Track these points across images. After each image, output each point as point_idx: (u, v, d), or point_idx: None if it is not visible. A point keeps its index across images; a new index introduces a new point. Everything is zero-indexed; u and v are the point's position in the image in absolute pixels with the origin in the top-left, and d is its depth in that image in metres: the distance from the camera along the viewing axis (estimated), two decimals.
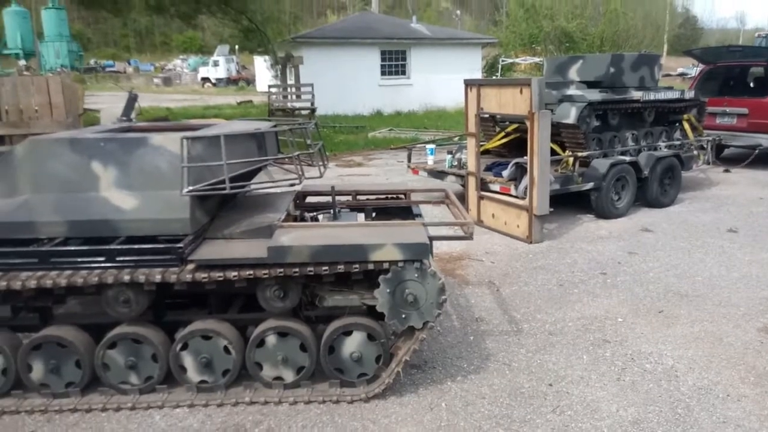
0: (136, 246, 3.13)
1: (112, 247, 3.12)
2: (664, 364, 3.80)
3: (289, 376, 3.40)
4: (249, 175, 3.65)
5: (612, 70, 7.96)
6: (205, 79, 48.04)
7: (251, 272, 3.13)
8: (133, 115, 4.58)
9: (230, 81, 47.73)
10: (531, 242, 6.34)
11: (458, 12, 51.19)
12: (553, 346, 4.06)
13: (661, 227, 7.00)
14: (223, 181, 3.18)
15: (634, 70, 8.20)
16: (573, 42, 29.91)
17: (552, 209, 6.38)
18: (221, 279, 3.12)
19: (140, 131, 3.79)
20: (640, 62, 8.30)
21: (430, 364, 3.81)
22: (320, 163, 3.84)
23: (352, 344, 3.37)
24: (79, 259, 3.11)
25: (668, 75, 30.48)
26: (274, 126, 3.89)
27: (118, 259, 3.11)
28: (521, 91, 6.15)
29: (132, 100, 4.17)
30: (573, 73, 8.32)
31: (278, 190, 4.02)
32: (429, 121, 19.75)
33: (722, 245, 6.28)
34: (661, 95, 8.30)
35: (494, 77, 24.77)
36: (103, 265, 3.10)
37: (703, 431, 3.07)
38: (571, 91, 7.71)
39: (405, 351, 3.35)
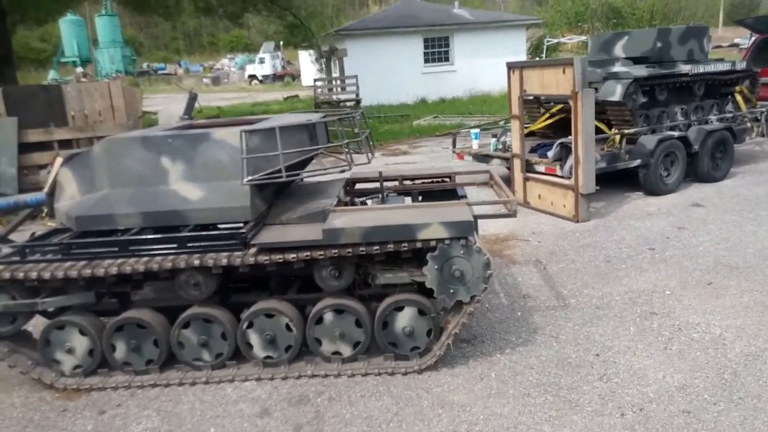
0: (204, 233, 3.42)
1: (183, 234, 3.43)
2: (711, 333, 3.86)
3: (346, 350, 3.64)
4: (302, 164, 3.89)
5: (659, 44, 7.85)
6: (252, 77, 49.00)
7: (308, 253, 3.37)
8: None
9: (276, 77, 48.52)
10: (578, 221, 6.39)
11: None
12: (600, 319, 4.17)
13: (712, 201, 6.91)
14: (279, 170, 3.43)
15: (681, 44, 8.06)
16: (621, 17, 29.11)
17: (599, 187, 6.42)
18: (281, 261, 3.38)
19: (201, 128, 4.09)
20: (687, 35, 8.15)
21: (479, 338, 3.99)
22: (367, 151, 4.05)
23: (404, 319, 3.58)
24: (155, 247, 3.42)
25: (719, 47, 29.27)
26: (324, 117, 4.12)
27: (188, 245, 3.41)
28: (564, 71, 6.19)
29: (192, 99, 4.47)
30: (618, 50, 8.25)
31: (329, 177, 4.27)
32: (474, 106, 19.71)
33: None
34: (711, 67, 8.13)
35: (539, 58, 24.42)
36: (175, 251, 3.41)
37: (749, 394, 3.14)
38: (617, 68, 7.66)
39: (454, 324, 3.54)
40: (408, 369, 3.58)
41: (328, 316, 3.59)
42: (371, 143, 4.13)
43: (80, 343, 3.64)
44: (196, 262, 3.37)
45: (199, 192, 3.50)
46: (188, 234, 3.45)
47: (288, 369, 3.63)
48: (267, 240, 3.42)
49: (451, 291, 3.46)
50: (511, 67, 7.13)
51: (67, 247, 3.47)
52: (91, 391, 3.61)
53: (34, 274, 3.39)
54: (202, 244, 3.42)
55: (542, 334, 4.00)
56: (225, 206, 3.48)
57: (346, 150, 3.81)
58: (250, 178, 3.41)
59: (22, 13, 12.71)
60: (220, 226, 3.64)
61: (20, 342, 3.75)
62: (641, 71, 7.46)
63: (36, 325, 3.86)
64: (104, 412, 3.39)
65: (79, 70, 43.09)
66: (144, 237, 3.46)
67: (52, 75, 41.16)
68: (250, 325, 3.61)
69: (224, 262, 3.37)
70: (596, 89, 6.80)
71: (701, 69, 7.97)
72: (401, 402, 3.29)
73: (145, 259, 3.42)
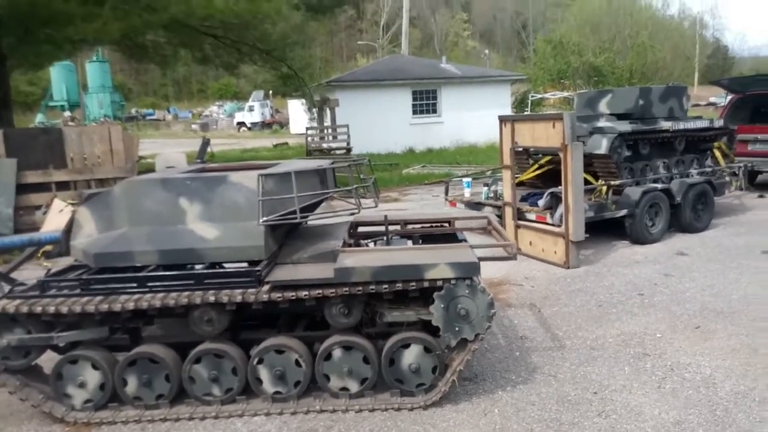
0: (220, 270, 3.57)
1: (200, 271, 3.57)
2: (702, 373, 4.03)
3: (354, 386, 3.75)
4: (313, 207, 4.08)
5: (641, 102, 8.29)
6: (241, 124, 49.62)
7: (320, 291, 3.52)
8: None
9: (265, 125, 49.18)
10: (568, 267, 6.61)
11: (487, 51, 52.19)
12: (596, 359, 4.33)
13: (696, 251, 7.20)
14: (293, 212, 3.62)
15: (662, 102, 8.52)
16: (601, 75, 30.26)
17: (587, 235, 6.67)
18: (293, 298, 3.52)
19: (215, 171, 4.28)
20: (668, 94, 8.62)
21: (480, 377, 4.12)
22: (374, 195, 4.26)
23: (411, 356, 3.72)
24: (172, 283, 3.56)
25: (697, 105, 30.50)
26: (332, 163, 4.34)
27: (205, 282, 3.55)
28: (554, 125, 6.52)
29: (205, 144, 4.69)
30: (603, 107, 8.68)
31: (335, 220, 4.46)
32: (461, 156, 20.19)
33: (757, 266, 6.45)
34: (690, 124, 8.58)
35: (524, 112, 25.23)
36: (192, 287, 3.54)
37: (741, 430, 3.30)
38: (602, 123, 8.06)
39: (459, 361, 3.68)
40: (414, 405, 3.69)
41: (337, 353, 3.71)
42: (376, 188, 4.34)
43: (92, 378, 3.70)
44: (212, 299, 3.50)
45: (215, 231, 3.66)
46: (205, 271, 3.59)
47: (297, 404, 3.72)
48: (280, 278, 3.57)
49: (457, 329, 3.61)
50: (503, 120, 7.48)
51: (87, 282, 3.59)
52: (101, 425, 3.66)
53: (52, 309, 3.49)
54: (218, 281, 3.56)
55: (541, 373, 4.14)
56: (240, 245, 3.64)
57: (355, 194, 4.02)
58: (265, 218, 3.59)
59: (23, 59, 12.99)
60: (228, 265, 3.79)
61: (31, 376, 3.81)
62: (625, 126, 7.86)
63: (46, 360, 3.92)
64: None
65: (67, 114, 43.42)
66: (162, 273, 3.59)
67: (39, 118, 41.39)
68: (261, 361, 3.71)
69: (239, 298, 3.51)
70: (584, 142, 7.14)
71: (681, 126, 8.41)
72: None
73: (161, 294, 3.54)
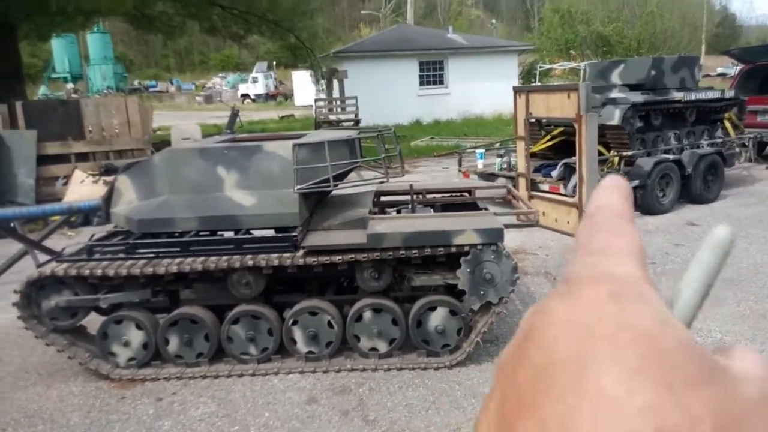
0: (258, 235, 3.75)
1: (240, 236, 3.76)
2: (712, 337, 4.24)
3: (382, 347, 3.96)
4: (343, 176, 4.24)
5: (653, 72, 8.36)
6: (245, 96, 49.39)
7: (353, 256, 3.71)
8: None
9: (269, 96, 48.97)
10: None
11: (494, 21, 51.61)
12: None
13: (706, 221, 7.36)
14: (326, 180, 3.78)
15: (674, 72, 8.58)
16: (610, 45, 30.05)
17: None
18: (327, 262, 3.71)
19: (246, 141, 4.43)
20: (679, 64, 8.68)
21: (501, 339, 4.32)
22: (400, 164, 4.41)
23: (437, 319, 3.92)
24: (212, 248, 3.74)
25: (707, 75, 30.31)
26: (359, 133, 4.48)
27: (243, 246, 3.73)
28: (569, 96, 6.62)
29: (234, 115, 4.82)
30: (615, 77, 8.74)
31: (361, 189, 4.62)
32: (468, 128, 20.23)
33: (765, 236, 6.61)
34: (702, 95, 8.65)
35: (532, 83, 25.15)
36: (231, 252, 3.73)
37: None
38: (614, 94, 8.14)
39: (483, 324, 3.88)
40: (440, 364, 3.90)
41: (367, 315, 3.92)
42: (402, 159, 4.49)
43: (136, 337, 3.92)
44: (250, 263, 3.69)
45: (252, 199, 3.83)
46: (243, 236, 3.78)
47: (329, 363, 3.94)
48: (315, 243, 3.76)
49: (482, 292, 3.80)
50: (517, 90, 7.57)
51: (132, 246, 3.77)
52: (145, 381, 3.89)
53: (99, 272, 3.68)
54: (256, 245, 3.75)
55: None
56: (276, 212, 3.81)
57: (384, 164, 4.17)
58: (299, 186, 3.75)
59: (35, 30, 13.01)
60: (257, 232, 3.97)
61: (78, 335, 4.03)
62: (638, 97, 7.95)
63: (88, 322, 4.13)
64: (161, 399, 3.67)
65: (70, 86, 43.23)
66: (203, 238, 3.78)
67: (42, 90, 41.24)
68: (295, 322, 3.92)
69: (276, 262, 3.70)
70: (599, 114, 7.24)
71: (693, 96, 8.49)
72: (436, 392, 3.61)
73: (202, 258, 3.73)
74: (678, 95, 8.36)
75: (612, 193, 0.31)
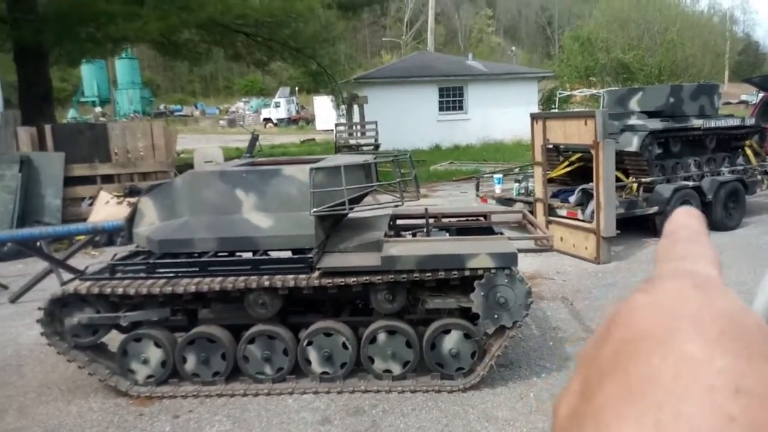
0: (275, 257, 3.83)
1: (257, 257, 3.84)
2: None
3: (396, 369, 3.98)
4: (359, 199, 4.32)
5: (672, 100, 8.37)
6: (267, 120, 50.11)
7: (367, 278, 3.76)
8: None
9: (291, 121, 49.63)
10: (599, 263, 6.75)
11: (513, 48, 51.99)
12: None
13: (727, 249, 7.27)
14: (342, 203, 3.86)
15: (693, 100, 8.58)
16: (630, 73, 30.02)
17: (618, 231, 6.80)
18: (342, 284, 3.77)
19: (264, 165, 4.54)
20: (699, 92, 8.68)
21: (516, 363, 4.32)
22: (415, 189, 4.48)
23: (451, 341, 3.94)
24: (231, 268, 3.83)
25: (728, 103, 30.09)
26: (376, 158, 4.57)
27: (260, 267, 3.81)
28: (586, 123, 6.67)
29: (254, 139, 4.94)
30: (633, 104, 8.77)
31: (377, 212, 4.69)
32: (487, 153, 20.28)
33: None
34: (722, 122, 8.62)
35: (551, 110, 25.17)
36: (248, 272, 3.81)
37: None
38: (633, 120, 8.16)
39: (497, 347, 3.89)
40: (453, 387, 3.91)
41: (381, 337, 3.95)
42: (418, 183, 4.56)
43: (154, 355, 3.99)
44: (267, 283, 3.76)
45: (269, 221, 3.92)
46: (260, 258, 3.85)
47: (343, 384, 3.97)
48: (330, 265, 3.82)
49: (496, 316, 3.82)
50: (534, 117, 7.63)
51: (152, 266, 3.87)
52: (162, 399, 3.95)
53: (120, 290, 3.78)
54: (273, 266, 3.82)
55: (574, 361, 4.33)
56: (292, 234, 3.89)
57: (399, 188, 4.24)
58: (316, 209, 3.83)
59: (65, 56, 13.45)
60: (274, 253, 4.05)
61: (98, 352, 4.12)
62: (656, 124, 7.95)
63: (108, 339, 4.22)
64: (178, 416, 3.73)
65: (98, 110, 44.29)
66: (221, 259, 3.87)
67: (71, 114, 42.31)
68: (310, 343, 3.97)
69: (292, 283, 3.76)
70: (615, 140, 7.26)
71: (712, 124, 8.46)
72: (450, 415, 3.61)
73: (220, 279, 3.81)
74: (697, 122, 8.34)
75: (688, 215, 0.34)
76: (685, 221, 0.34)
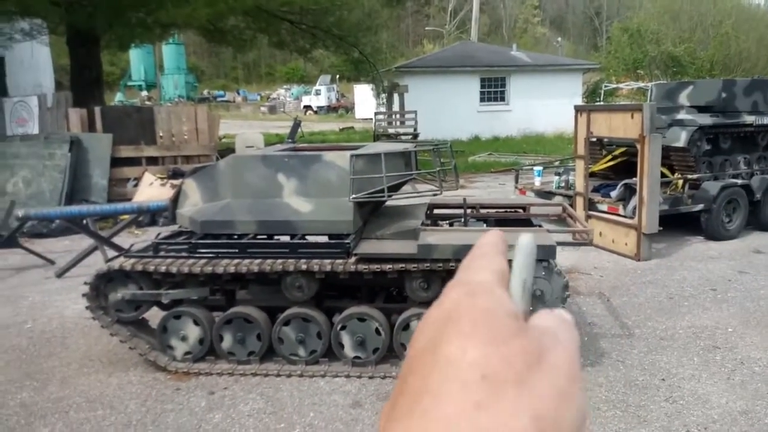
0: (313, 241, 3.88)
1: (295, 241, 3.89)
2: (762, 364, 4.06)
3: None
4: (398, 187, 4.33)
5: (723, 95, 8.09)
6: (308, 107, 50.45)
7: (403, 265, 3.78)
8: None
9: (330, 109, 49.86)
10: (639, 259, 6.61)
11: (559, 39, 50.94)
12: (665, 349, 4.41)
13: None
14: (381, 191, 3.87)
15: (746, 95, 8.28)
16: (680, 66, 29.09)
17: (661, 228, 6.64)
18: (378, 270, 3.79)
19: (305, 150, 4.59)
20: (753, 87, 8.36)
21: None
22: (455, 178, 4.46)
23: None
24: (269, 251, 3.90)
25: None
26: (416, 146, 4.57)
27: (298, 251, 3.87)
28: (632, 116, 6.51)
29: (296, 125, 5.00)
30: (683, 98, 8.51)
31: (415, 201, 4.69)
32: (528, 145, 20.01)
33: None
34: None
35: (596, 103, 24.66)
36: (286, 255, 3.87)
37: None
38: (682, 115, 7.93)
39: None
40: None
41: (415, 324, 3.96)
42: (457, 173, 4.54)
43: (193, 332, 4.11)
44: (304, 267, 3.82)
45: (309, 206, 3.97)
46: (299, 241, 3.91)
47: (374, 369, 4.01)
48: (367, 251, 3.85)
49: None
50: (578, 109, 7.49)
51: (194, 246, 3.97)
52: (199, 375, 4.06)
53: (163, 268, 3.89)
54: (311, 250, 3.88)
55: (609, 358, 4.27)
56: (331, 219, 3.93)
57: (438, 177, 4.23)
58: (355, 195, 3.86)
59: (116, 41, 13.78)
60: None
61: (140, 328, 4.26)
62: (706, 120, 7.71)
63: (149, 316, 4.36)
64: (213, 392, 3.83)
65: (144, 93, 45.33)
66: (260, 241, 3.94)
67: (118, 97, 43.43)
68: (344, 327, 4.01)
69: (328, 268, 3.81)
70: (663, 135, 7.07)
71: (765, 120, 8.15)
72: None
73: (259, 260, 3.88)
74: (750, 119, 8.05)
75: (492, 235, 0.40)
76: (488, 240, 0.39)
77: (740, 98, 8.23)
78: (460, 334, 0.30)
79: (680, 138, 7.49)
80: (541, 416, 0.28)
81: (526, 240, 0.37)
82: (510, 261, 0.36)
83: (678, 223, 7.65)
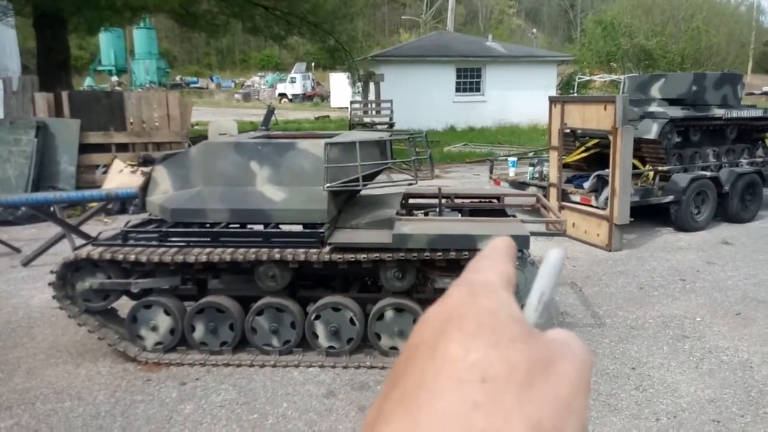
0: (286, 230, 3.83)
1: (268, 230, 3.84)
2: (740, 357, 4.15)
3: (403, 346, 3.98)
4: (373, 176, 4.29)
5: (694, 88, 8.22)
6: (283, 95, 49.93)
7: (378, 255, 3.75)
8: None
9: (306, 97, 49.43)
10: (611, 250, 6.70)
11: (534, 30, 51.16)
12: (635, 338, 4.48)
13: (741, 240, 7.20)
14: (356, 180, 3.84)
15: (716, 89, 8.42)
16: (652, 59, 29.50)
17: (632, 219, 6.74)
18: (352, 260, 3.76)
19: (279, 138, 4.52)
20: (722, 81, 8.51)
21: None
22: (430, 168, 4.45)
23: None
24: (242, 240, 3.84)
25: (751, 93, 29.54)
26: (391, 135, 4.54)
27: (271, 240, 3.82)
28: (605, 108, 6.57)
29: (270, 112, 4.92)
30: (655, 91, 8.62)
31: (389, 190, 4.67)
32: (503, 136, 20.11)
33: None
34: (744, 113, 8.46)
35: (570, 94, 24.88)
36: (259, 245, 3.81)
37: None
38: (653, 108, 8.03)
39: None
40: None
41: (389, 314, 3.96)
42: (432, 163, 4.52)
43: (164, 322, 4.04)
44: (277, 256, 3.77)
45: (282, 194, 3.92)
46: (272, 230, 3.86)
47: (349, 359, 3.99)
48: (341, 240, 3.82)
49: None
50: (553, 101, 7.53)
51: (165, 235, 3.89)
52: (170, 366, 3.99)
53: (132, 257, 3.81)
54: (284, 240, 3.83)
55: None
56: (305, 208, 3.89)
57: (413, 167, 4.21)
58: (330, 184, 3.82)
59: (83, 24, 13.41)
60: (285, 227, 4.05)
61: (108, 318, 4.17)
62: (677, 112, 7.82)
63: (118, 306, 4.26)
64: (185, 383, 3.77)
65: (114, 79, 44.35)
66: (233, 230, 3.87)
67: (87, 82, 42.37)
68: (318, 317, 3.98)
69: (302, 257, 3.77)
70: (635, 127, 7.15)
71: (734, 114, 8.31)
72: None
73: (231, 249, 3.82)
74: (719, 112, 8.20)
75: (501, 240, 0.39)
76: (497, 244, 0.39)
77: (710, 92, 8.37)
78: (463, 333, 0.30)
79: (651, 130, 7.60)
80: (540, 425, 0.28)
81: (555, 253, 0.36)
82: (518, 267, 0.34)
83: (648, 214, 7.77)
